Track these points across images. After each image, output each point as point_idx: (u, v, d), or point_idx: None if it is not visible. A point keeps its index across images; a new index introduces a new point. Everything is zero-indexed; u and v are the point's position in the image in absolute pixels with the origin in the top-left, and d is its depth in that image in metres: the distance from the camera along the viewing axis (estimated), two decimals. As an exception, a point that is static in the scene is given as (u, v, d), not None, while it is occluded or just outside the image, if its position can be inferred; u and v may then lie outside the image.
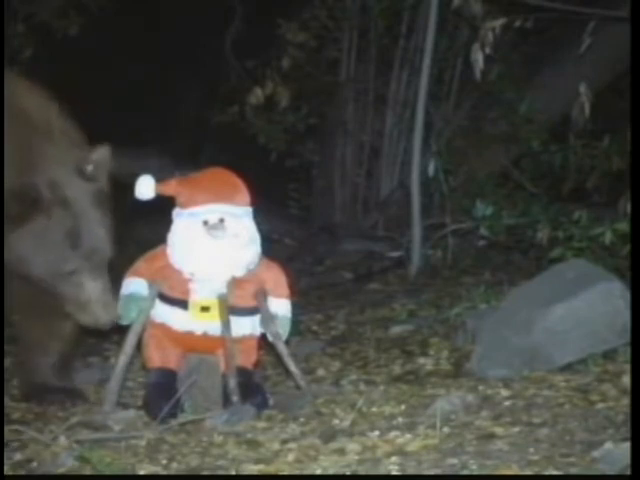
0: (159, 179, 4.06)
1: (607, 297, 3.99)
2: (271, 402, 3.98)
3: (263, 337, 4.01)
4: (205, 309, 3.92)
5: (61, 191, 3.93)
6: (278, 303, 3.99)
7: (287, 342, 4.02)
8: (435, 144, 6.30)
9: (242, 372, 3.90)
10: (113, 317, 3.96)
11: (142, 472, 3.34)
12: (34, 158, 3.94)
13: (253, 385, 3.96)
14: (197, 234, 3.90)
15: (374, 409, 3.76)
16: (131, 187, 4.05)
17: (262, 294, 3.97)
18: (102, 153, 4.03)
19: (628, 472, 2.85)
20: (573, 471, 2.95)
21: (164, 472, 3.34)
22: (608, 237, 4.61)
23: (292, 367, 4.02)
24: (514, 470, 2.98)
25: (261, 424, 3.74)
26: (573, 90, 5.21)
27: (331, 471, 3.16)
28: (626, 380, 3.63)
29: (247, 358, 3.98)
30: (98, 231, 3.98)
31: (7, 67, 4.41)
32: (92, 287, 3.96)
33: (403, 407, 3.77)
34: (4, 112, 3.96)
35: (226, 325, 3.89)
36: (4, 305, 4.11)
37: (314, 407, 3.86)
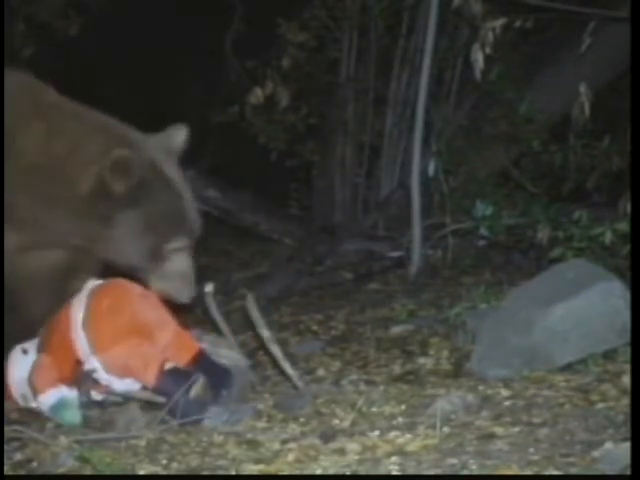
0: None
1: (607, 297, 3.99)
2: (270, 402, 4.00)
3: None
4: None
5: (160, 170, 3.94)
6: None
7: (287, 342, 4.03)
8: (435, 144, 6.29)
9: None
10: (193, 293, 4.08)
11: (142, 472, 3.34)
12: (124, 135, 3.95)
13: None
14: None
15: (374, 409, 3.76)
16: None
17: None
18: (182, 132, 4.09)
19: (628, 472, 2.85)
20: (573, 471, 2.95)
21: (164, 472, 3.35)
22: (608, 237, 4.60)
23: (288, 369, 4.03)
24: (514, 470, 2.98)
25: (261, 424, 3.74)
26: (573, 90, 5.20)
27: (331, 471, 3.17)
28: (626, 380, 3.63)
29: None
30: (194, 209, 4.07)
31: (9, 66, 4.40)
32: (186, 263, 4.05)
33: (403, 407, 3.77)
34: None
35: None
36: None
37: (314, 407, 3.86)
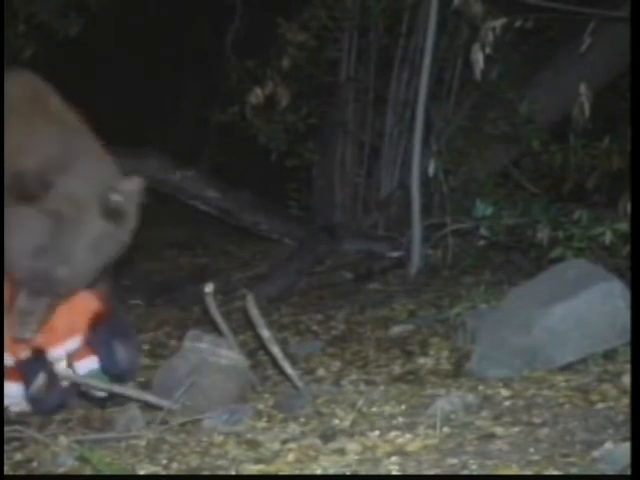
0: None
1: (607, 297, 3.99)
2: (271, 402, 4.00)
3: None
4: None
5: (76, 204, 3.79)
6: None
7: (287, 342, 4.03)
8: (435, 144, 6.29)
9: None
10: (29, 335, 3.88)
11: (142, 472, 3.34)
12: (70, 160, 3.83)
13: None
14: None
15: (374, 409, 3.76)
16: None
17: None
18: (133, 185, 3.84)
19: (628, 472, 2.85)
20: (573, 471, 2.95)
21: (164, 472, 3.35)
22: (608, 237, 4.61)
23: (288, 369, 4.03)
24: (514, 470, 2.98)
25: (261, 424, 3.74)
26: (573, 90, 5.20)
27: (331, 471, 3.17)
28: (626, 380, 3.63)
29: None
30: (76, 262, 3.83)
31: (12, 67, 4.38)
32: (25, 301, 3.84)
33: (403, 407, 3.77)
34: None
35: None
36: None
37: (314, 407, 3.86)
